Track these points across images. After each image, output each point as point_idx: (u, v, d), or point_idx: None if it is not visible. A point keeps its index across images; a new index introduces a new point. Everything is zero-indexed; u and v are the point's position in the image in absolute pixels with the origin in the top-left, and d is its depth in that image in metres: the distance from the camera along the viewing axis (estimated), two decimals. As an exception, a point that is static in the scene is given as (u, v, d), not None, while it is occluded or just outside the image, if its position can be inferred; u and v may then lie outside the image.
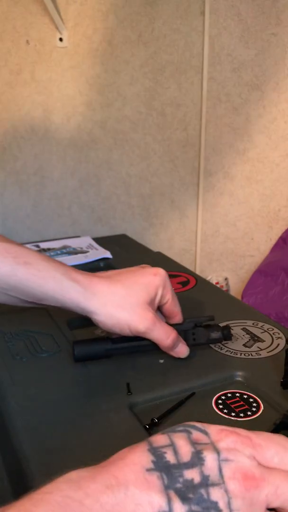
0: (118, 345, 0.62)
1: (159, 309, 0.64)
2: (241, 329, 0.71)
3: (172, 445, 0.34)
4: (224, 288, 2.05)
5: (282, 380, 0.57)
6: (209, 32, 1.79)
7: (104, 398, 0.56)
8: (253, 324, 0.73)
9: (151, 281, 0.61)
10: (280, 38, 1.76)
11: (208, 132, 1.91)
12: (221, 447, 0.34)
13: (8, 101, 1.84)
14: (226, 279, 2.07)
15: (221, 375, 0.61)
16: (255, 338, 0.69)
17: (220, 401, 0.56)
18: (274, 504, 0.33)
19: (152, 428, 0.52)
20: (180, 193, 2.00)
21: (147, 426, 0.51)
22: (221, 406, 0.55)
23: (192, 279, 0.91)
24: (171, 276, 0.91)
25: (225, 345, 0.67)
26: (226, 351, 0.66)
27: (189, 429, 0.35)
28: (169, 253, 1.14)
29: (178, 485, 0.32)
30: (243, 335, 0.69)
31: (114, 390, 0.58)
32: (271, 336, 0.69)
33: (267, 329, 0.71)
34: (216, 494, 0.32)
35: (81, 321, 0.64)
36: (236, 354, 0.65)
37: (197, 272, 2.02)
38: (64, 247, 1.08)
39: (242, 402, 0.56)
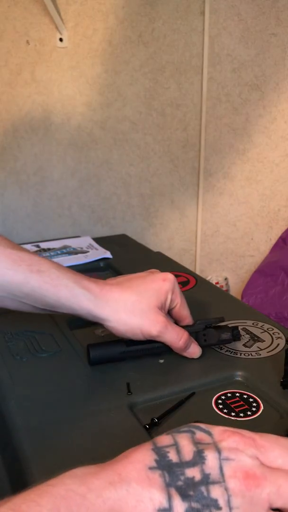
0: (132, 348, 0.63)
1: (169, 313, 0.65)
2: (241, 329, 0.71)
3: (176, 444, 0.35)
4: (224, 288, 2.05)
5: (282, 380, 0.57)
6: (209, 32, 1.79)
7: (104, 398, 0.56)
8: (253, 324, 0.73)
9: (161, 286, 0.62)
10: (280, 38, 1.76)
11: (208, 132, 1.91)
12: (222, 446, 0.34)
13: (8, 101, 1.85)
14: (226, 279, 2.07)
15: (221, 375, 0.61)
16: (255, 338, 0.69)
17: (220, 401, 0.56)
18: (277, 504, 0.33)
19: (152, 428, 0.52)
20: (180, 193, 2.00)
21: (147, 426, 0.52)
22: (221, 406, 0.55)
23: (192, 279, 0.91)
24: (171, 276, 0.91)
25: (225, 345, 0.67)
26: (226, 351, 0.66)
27: (193, 429, 0.36)
28: (169, 253, 1.14)
29: (179, 483, 0.32)
30: (243, 335, 0.69)
31: (114, 390, 0.58)
32: (271, 336, 0.69)
33: (267, 329, 0.71)
34: (216, 492, 0.32)
35: (81, 321, 0.64)
36: (236, 354, 0.65)
37: (197, 272, 2.02)
38: (64, 247, 1.08)
39: (242, 402, 0.56)
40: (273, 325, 0.72)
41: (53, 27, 1.77)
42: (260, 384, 0.58)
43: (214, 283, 1.63)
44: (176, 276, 0.80)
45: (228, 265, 2.07)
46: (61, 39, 1.79)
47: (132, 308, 0.60)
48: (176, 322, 0.66)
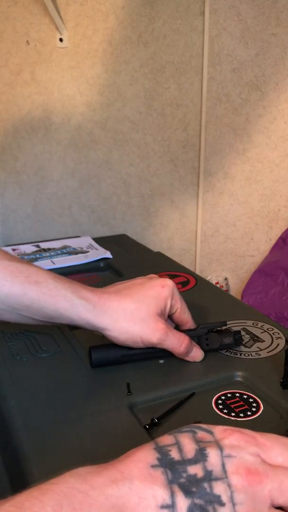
0: (135, 351, 0.63)
1: (170, 318, 0.65)
2: (241, 329, 0.71)
3: (177, 443, 0.35)
4: (224, 288, 2.05)
5: (282, 380, 0.57)
6: (209, 32, 1.79)
7: (104, 398, 0.56)
8: (253, 324, 0.73)
9: (160, 293, 0.62)
10: (280, 38, 1.76)
11: (208, 132, 1.91)
12: (224, 444, 0.35)
13: (8, 101, 1.85)
14: (226, 279, 2.07)
15: (221, 375, 0.61)
16: (255, 338, 0.69)
17: (220, 401, 0.56)
18: (279, 501, 0.34)
19: (152, 428, 0.52)
20: (180, 193, 2.00)
21: (147, 426, 0.52)
22: (221, 406, 0.55)
23: (192, 279, 0.91)
24: (171, 276, 0.91)
25: (225, 345, 0.67)
26: (226, 351, 0.66)
27: (194, 429, 0.36)
28: (169, 253, 1.14)
29: (182, 480, 0.33)
30: (243, 335, 0.69)
31: (114, 390, 0.58)
32: (271, 336, 0.69)
33: (267, 329, 0.71)
34: (219, 488, 0.32)
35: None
36: (236, 354, 0.65)
37: (197, 272, 2.02)
38: (64, 247, 1.08)
39: (242, 402, 0.56)
40: (273, 325, 0.72)
41: (53, 27, 1.77)
42: (260, 384, 0.58)
43: (214, 283, 1.63)
44: (176, 276, 0.80)
45: (228, 265, 2.07)
46: (61, 39, 1.79)
47: (132, 316, 0.60)
48: (178, 326, 0.66)
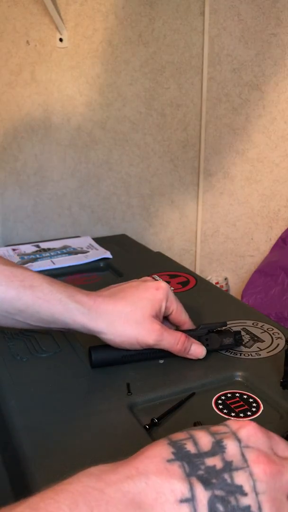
0: (134, 351, 0.63)
1: (167, 319, 0.66)
2: (241, 329, 0.71)
3: (192, 437, 0.34)
4: (224, 288, 2.05)
5: (282, 380, 0.57)
6: (209, 32, 1.79)
7: (104, 398, 0.57)
8: (253, 324, 0.73)
9: (154, 295, 0.62)
10: (280, 38, 1.76)
11: (208, 132, 1.91)
12: (242, 435, 0.34)
13: (8, 101, 1.85)
14: (226, 279, 2.07)
15: (221, 375, 0.61)
16: (255, 338, 0.69)
17: (220, 401, 0.56)
18: None
19: (152, 428, 0.52)
20: (180, 193, 2.00)
21: (147, 426, 0.52)
22: (221, 406, 0.55)
23: (192, 279, 0.91)
24: (171, 276, 0.91)
25: (225, 345, 0.67)
26: (226, 352, 0.66)
27: (206, 426, 0.36)
28: (169, 253, 1.14)
29: (200, 472, 0.32)
30: (243, 335, 0.69)
31: (114, 390, 0.58)
32: (271, 336, 0.69)
33: (267, 329, 0.71)
34: (240, 478, 0.32)
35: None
36: (236, 354, 0.65)
37: (197, 272, 2.02)
38: (64, 247, 1.08)
39: (242, 402, 0.56)
40: (273, 325, 0.72)
41: (53, 27, 1.77)
42: (260, 384, 0.58)
43: (214, 283, 1.63)
44: (176, 276, 0.81)
45: (228, 265, 2.07)
46: (61, 39, 1.79)
47: (127, 319, 0.60)
48: (177, 327, 0.66)
